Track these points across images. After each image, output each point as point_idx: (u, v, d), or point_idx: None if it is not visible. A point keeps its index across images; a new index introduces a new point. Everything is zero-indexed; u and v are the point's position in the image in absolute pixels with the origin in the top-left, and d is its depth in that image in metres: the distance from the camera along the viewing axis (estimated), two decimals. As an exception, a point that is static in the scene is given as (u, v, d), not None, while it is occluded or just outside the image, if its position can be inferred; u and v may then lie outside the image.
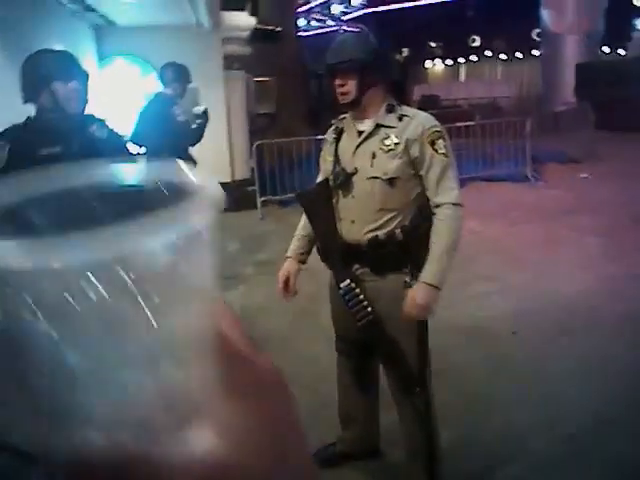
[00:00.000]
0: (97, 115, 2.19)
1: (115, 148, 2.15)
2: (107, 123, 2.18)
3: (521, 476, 2.23)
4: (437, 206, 1.80)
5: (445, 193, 1.79)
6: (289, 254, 2.09)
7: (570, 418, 2.57)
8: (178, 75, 3.92)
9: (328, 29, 22.14)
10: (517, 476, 2.24)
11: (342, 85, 1.83)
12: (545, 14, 16.92)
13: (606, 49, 20.12)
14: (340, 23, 21.60)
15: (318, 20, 23.76)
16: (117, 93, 7.04)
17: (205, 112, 4.06)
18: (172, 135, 3.78)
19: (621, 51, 20.55)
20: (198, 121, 4.02)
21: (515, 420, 2.57)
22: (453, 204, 1.79)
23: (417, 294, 1.76)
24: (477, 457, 2.33)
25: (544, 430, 2.49)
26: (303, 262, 2.08)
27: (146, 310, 0.21)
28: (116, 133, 2.21)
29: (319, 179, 2.02)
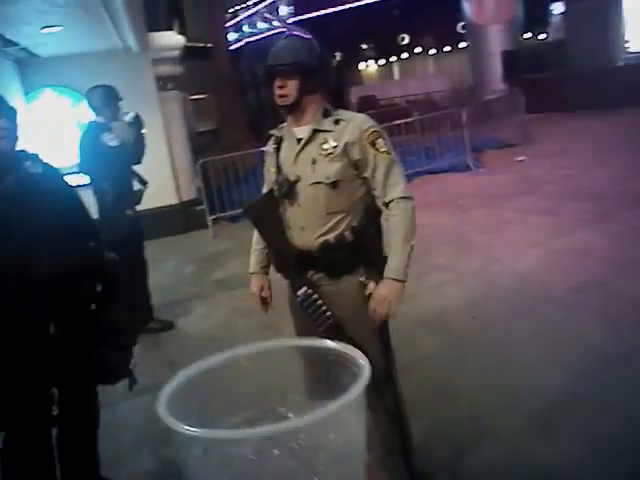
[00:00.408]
0: (29, 150, 2.12)
1: (51, 182, 2.09)
2: (40, 157, 2.12)
3: (491, 457, 2.28)
4: (388, 203, 1.83)
5: (393, 189, 1.82)
6: (252, 270, 2.09)
7: (534, 395, 2.64)
8: (105, 99, 3.84)
9: (274, 31, 22.13)
10: (487, 458, 2.29)
11: (282, 87, 1.83)
12: (466, 7, 17.49)
13: (528, 35, 20.96)
14: (288, 25, 21.63)
15: (266, 20, 23.69)
16: (50, 125, 6.84)
17: (136, 117, 3.97)
18: (109, 162, 3.70)
19: (542, 35, 21.44)
20: (134, 130, 3.93)
21: (482, 404, 2.62)
22: (402, 198, 1.82)
23: (383, 291, 1.78)
24: (448, 444, 2.37)
25: (510, 410, 2.55)
26: (267, 274, 2.08)
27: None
28: (51, 167, 2.14)
29: (264, 190, 2.02)
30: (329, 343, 1.02)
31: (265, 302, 2.07)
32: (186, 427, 0.81)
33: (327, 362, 1.00)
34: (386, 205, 1.84)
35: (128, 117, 3.93)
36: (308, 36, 1.90)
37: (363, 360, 0.92)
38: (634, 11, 12.51)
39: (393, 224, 1.82)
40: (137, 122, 3.97)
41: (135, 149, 3.95)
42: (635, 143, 7.76)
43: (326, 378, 1.08)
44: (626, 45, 12.80)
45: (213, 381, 1.01)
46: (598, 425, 2.34)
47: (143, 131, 4.03)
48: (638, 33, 12.62)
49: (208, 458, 0.83)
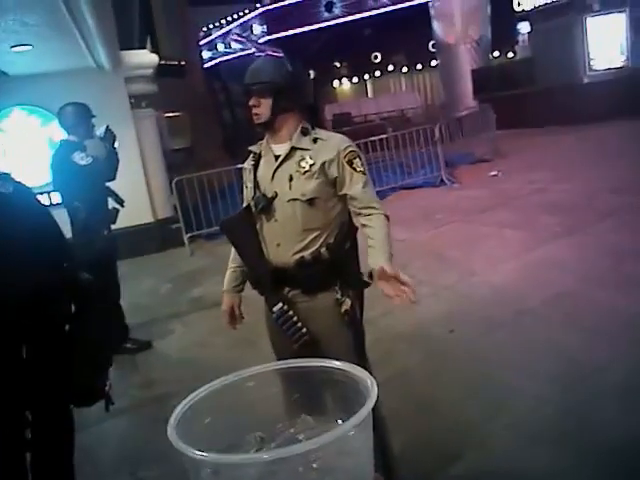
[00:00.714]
0: (0, 170, 2.09)
1: (23, 201, 2.05)
2: (11, 176, 2.08)
3: (474, 467, 2.30)
4: (364, 210, 1.86)
5: (370, 203, 1.86)
6: (225, 288, 2.10)
7: (514, 404, 2.67)
8: (76, 116, 3.77)
9: (247, 51, 22.20)
10: (471, 468, 2.30)
11: (256, 106, 1.87)
12: (436, 26, 17.89)
13: (497, 53, 21.50)
14: (260, 45, 21.71)
15: (238, 41, 23.76)
16: (20, 145, 6.74)
17: (107, 130, 3.91)
18: (81, 181, 3.65)
19: (510, 54, 22.02)
20: (106, 144, 3.88)
21: (464, 415, 2.64)
22: (379, 214, 1.86)
23: (383, 270, 1.72)
24: (430, 457, 2.37)
25: (492, 421, 2.57)
26: (240, 292, 2.09)
27: None
28: (23, 186, 2.11)
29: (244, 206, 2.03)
30: (334, 362, 1.02)
31: (233, 320, 2.09)
32: (195, 451, 0.82)
33: (331, 381, 1.00)
34: (363, 213, 1.87)
35: (99, 132, 3.88)
36: (280, 55, 1.93)
37: (370, 379, 0.93)
38: (597, 30, 12.95)
39: (373, 223, 1.85)
40: (108, 136, 3.91)
41: (107, 164, 3.87)
42: (602, 157, 7.99)
43: (328, 398, 1.09)
44: (591, 63, 13.22)
45: (222, 402, 1.01)
46: (581, 434, 2.37)
47: (115, 144, 3.97)
48: (602, 51, 13.05)
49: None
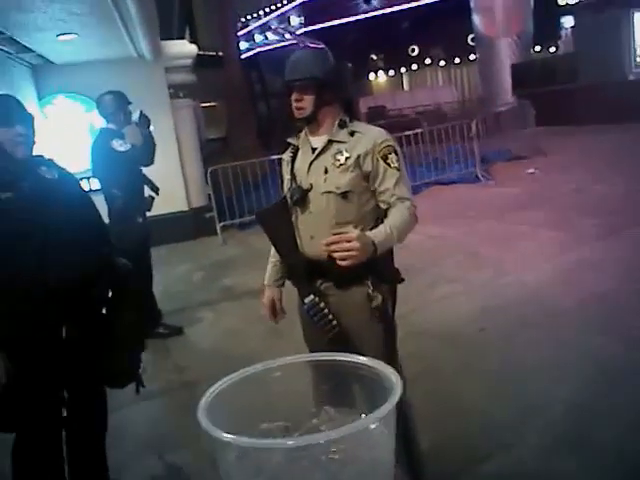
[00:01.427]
0: (46, 156, 2.16)
1: (67, 187, 2.11)
2: (56, 163, 2.15)
3: (502, 470, 2.27)
4: (396, 202, 1.81)
5: (400, 200, 1.82)
6: (266, 282, 2.11)
7: (543, 408, 2.63)
8: (115, 105, 3.85)
9: (288, 42, 22.25)
10: (498, 471, 2.27)
11: (299, 100, 1.86)
12: (476, 19, 17.55)
13: (538, 48, 20.99)
14: (298, 37, 21.74)
15: (276, 32, 23.86)
16: (63, 131, 6.92)
17: (142, 115, 3.94)
18: (120, 168, 3.73)
19: (552, 49, 21.48)
20: (141, 130, 3.94)
21: (491, 416, 2.61)
22: (407, 207, 1.82)
23: (359, 240, 1.62)
24: (457, 457, 2.35)
25: (519, 423, 2.54)
26: (281, 286, 2.10)
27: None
28: (67, 172, 2.17)
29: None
30: (360, 358, 1.03)
31: (275, 314, 2.09)
32: (223, 433, 0.85)
33: (358, 376, 1.02)
34: (392, 201, 1.82)
35: (134, 117, 3.94)
36: (321, 46, 1.92)
37: (395, 376, 0.93)
38: (646, 25, 12.53)
39: (395, 210, 1.80)
40: (143, 120, 3.95)
41: (144, 149, 3.93)
42: (646, 157, 7.73)
43: (356, 392, 1.10)
44: (638, 59, 12.79)
45: (251, 390, 1.04)
46: (612, 441, 2.32)
47: (151, 128, 4.01)
48: (649, 47, 12.63)
49: (242, 464, 0.87)
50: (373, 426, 0.86)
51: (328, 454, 0.85)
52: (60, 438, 2.12)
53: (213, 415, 0.91)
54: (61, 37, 5.33)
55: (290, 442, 0.88)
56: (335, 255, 1.58)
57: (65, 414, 2.14)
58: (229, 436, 0.84)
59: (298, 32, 21.83)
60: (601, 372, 2.85)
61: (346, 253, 1.57)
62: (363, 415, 0.94)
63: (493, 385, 2.89)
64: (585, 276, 4.22)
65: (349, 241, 1.57)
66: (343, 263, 1.59)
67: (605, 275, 4.15)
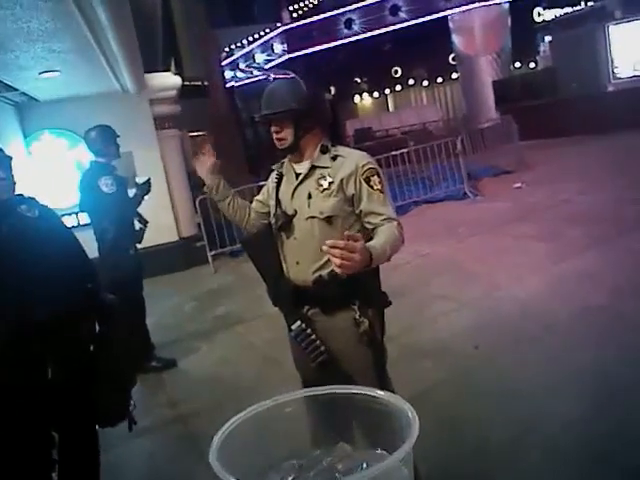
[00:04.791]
0: (26, 194, 2.15)
1: (48, 224, 2.10)
2: (37, 200, 2.14)
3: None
4: (381, 222, 1.79)
5: (389, 216, 1.81)
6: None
7: (542, 423, 2.60)
8: (103, 138, 3.86)
9: (257, 77, 22.55)
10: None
11: (278, 132, 1.88)
12: (456, 39, 17.90)
13: (518, 64, 21.38)
14: (266, 71, 22.08)
15: (243, 71, 24.19)
16: (50, 168, 6.92)
17: (146, 182, 4.03)
18: (107, 205, 3.73)
19: (532, 64, 21.86)
20: (136, 191, 3.99)
21: (490, 435, 2.58)
22: (396, 221, 1.80)
23: (361, 252, 1.57)
24: (457, 479, 2.32)
25: (519, 439, 2.51)
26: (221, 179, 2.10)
27: None
28: (48, 209, 2.17)
29: (253, 204, 2.06)
30: (377, 392, 1.01)
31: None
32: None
33: (367, 410, 1.00)
34: (377, 221, 1.80)
35: (139, 180, 4.01)
36: (291, 76, 1.93)
37: (411, 411, 0.91)
38: (621, 38, 12.80)
39: (383, 228, 1.77)
40: (145, 187, 4.03)
41: (130, 203, 3.97)
42: (629, 166, 7.83)
43: (362, 426, 1.07)
44: (615, 71, 13.04)
45: (260, 428, 1.01)
46: (612, 454, 2.29)
47: (146, 198, 4.07)
48: (626, 59, 12.88)
49: None
50: (393, 466, 0.83)
51: None
52: (51, 482, 2.07)
53: (225, 456, 0.88)
54: (43, 75, 5.36)
55: None
56: (335, 260, 1.53)
57: (55, 456, 2.10)
58: None
59: (279, 60, 22.12)
60: (598, 387, 2.83)
61: (347, 263, 1.52)
62: (378, 450, 0.92)
63: (490, 403, 2.85)
64: (578, 287, 4.22)
65: (353, 251, 1.52)
66: (339, 270, 1.55)
67: (598, 286, 4.14)
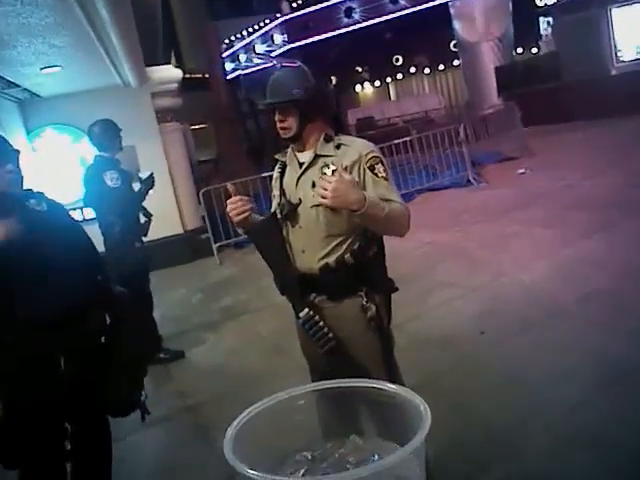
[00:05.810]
0: (34, 189, 2.17)
1: (57, 218, 2.12)
2: (45, 195, 2.16)
3: (508, 474, 2.25)
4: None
5: (395, 200, 1.81)
6: None
7: (549, 408, 2.61)
8: (106, 133, 3.87)
9: (264, 65, 22.42)
10: (505, 475, 2.26)
11: (282, 121, 1.89)
12: (457, 25, 17.74)
13: (520, 50, 21.18)
14: (268, 59, 21.94)
15: (245, 60, 24.07)
16: (54, 163, 6.94)
17: (150, 177, 4.02)
18: (113, 198, 3.75)
19: (534, 49, 21.67)
20: (139, 186, 4.00)
21: (496, 420, 2.60)
22: (403, 205, 1.81)
23: (346, 182, 1.65)
24: (464, 464, 2.34)
25: (525, 425, 2.52)
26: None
27: None
28: (56, 203, 2.18)
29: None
30: (388, 385, 1.02)
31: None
32: (250, 471, 0.84)
33: (378, 402, 1.00)
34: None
35: (143, 175, 4.01)
36: (297, 65, 1.93)
37: (423, 405, 0.92)
38: (623, 21, 12.67)
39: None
40: (148, 181, 4.00)
41: (134, 198, 3.97)
42: (633, 150, 7.79)
43: (372, 418, 1.08)
44: (619, 54, 12.92)
45: (274, 420, 1.02)
46: (618, 438, 2.30)
47: (150, 192, 4.05)
48: (629, 42, 12.76)
49: None
50: (405, 458, 0.84)
51: None
52: (65, 472, 2.10)
53: (239, 447, 0.90)
54: (45, 70, 5.36)
55: None
56: (321, 192, 1.67)
57: (69, 447, 2.13)
58: (257, 474, 0.83)
59: (280, 50, 22.01)
60: (604, 371, 2.84)
61: (324, 192, 1.65)
62: (389, 443, 0.93)
63: (496, 388, 2.87)
64: (583, 272, 4.22)
65: (330, 182, 1.65)
66: (323, 201, 1.68)
67: (603, 270, 4.15)
